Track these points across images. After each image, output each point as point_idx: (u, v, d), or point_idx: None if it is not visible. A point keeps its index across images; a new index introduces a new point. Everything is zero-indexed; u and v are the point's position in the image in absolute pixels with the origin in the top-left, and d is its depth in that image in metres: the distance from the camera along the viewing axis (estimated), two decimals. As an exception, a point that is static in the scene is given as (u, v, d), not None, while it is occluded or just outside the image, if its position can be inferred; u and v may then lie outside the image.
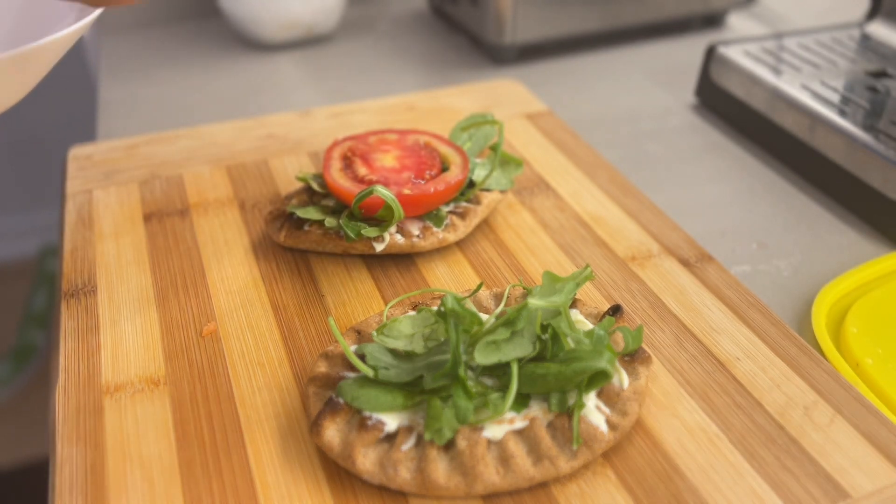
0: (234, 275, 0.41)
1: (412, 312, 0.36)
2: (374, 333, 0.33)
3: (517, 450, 0.30)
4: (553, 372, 0.31)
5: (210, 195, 0.48)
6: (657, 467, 0.31)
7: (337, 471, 0.31)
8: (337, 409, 0.31)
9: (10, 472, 1.23)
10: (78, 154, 0.52)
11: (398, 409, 0.31)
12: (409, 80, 0.69)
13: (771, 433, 0.32)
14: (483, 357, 0.31)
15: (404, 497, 0.30)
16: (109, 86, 0.68)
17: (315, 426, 0.31)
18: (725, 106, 0.60)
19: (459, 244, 0.43)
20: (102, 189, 0.48)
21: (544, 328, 0.32)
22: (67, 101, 1.48)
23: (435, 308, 0.35)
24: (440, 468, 0.29)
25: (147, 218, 0.46)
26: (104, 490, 0.30)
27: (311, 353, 0.36)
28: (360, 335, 0.35)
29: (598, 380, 0.31)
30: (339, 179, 0.42)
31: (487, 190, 0.45)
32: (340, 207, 0.42)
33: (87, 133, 0.79)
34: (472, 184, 0.45)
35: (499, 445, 0.30)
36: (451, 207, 0.43)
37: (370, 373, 0.32)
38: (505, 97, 0.59)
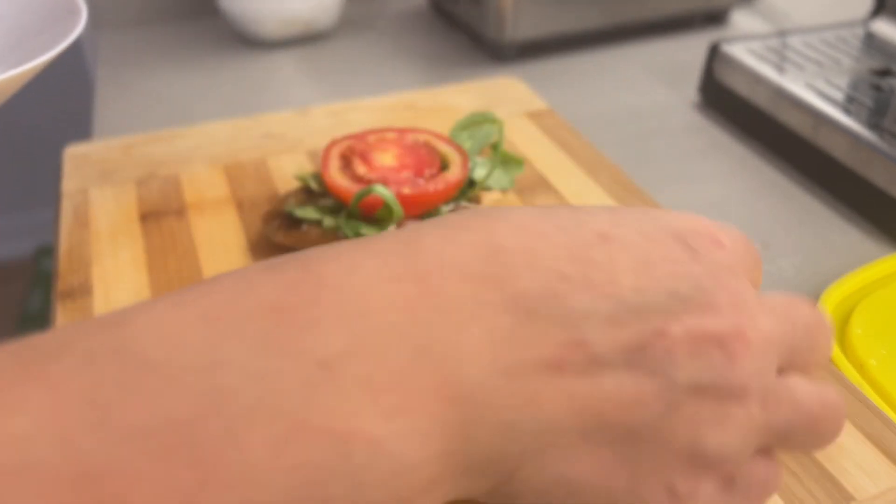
0: (231, 275, 0.41)
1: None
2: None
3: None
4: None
5: (207, 195, 0.47)
6: (659, 471, 0.30)
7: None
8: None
9: (10, 472, 1.22)
10: (74, 153, 0.52)
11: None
12: (409, 78, 0.68)
13: (775, 436, 0.32)
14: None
15: (403, 501, 0.29)
16: (106, 84, 0.68)
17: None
18: (729, 104, 0.60)
19: (459, 244, 0.43)
20: (99, 188, 0.48)
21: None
22: (64, 100, 1.48)
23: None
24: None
25: (144, 218, 0.45)
26: (99, 494, 0.30)
27: (309, 354, 0.36)
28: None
29: None
30: (338, 178, 0.41)
31: (488, 189, 0.44)
32: (339, 207, 0.42)
33: (84, 132, 0.79)
34: (472, 183, 0.44)
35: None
36: (451, 207, 0.43)
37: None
38: (506, 95, 0.59)
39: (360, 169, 0.42)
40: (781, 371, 0.23)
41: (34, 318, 1.45)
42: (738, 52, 0.59)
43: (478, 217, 0.22)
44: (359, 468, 0.17)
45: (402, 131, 0.46)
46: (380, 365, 0.18)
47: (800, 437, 0.23)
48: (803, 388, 0.23)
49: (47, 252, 1.56)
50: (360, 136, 0.45)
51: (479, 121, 0.47)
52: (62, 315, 0.38)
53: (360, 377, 0.18)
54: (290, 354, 0.18)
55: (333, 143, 0.44)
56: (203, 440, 0.16)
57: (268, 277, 0.20)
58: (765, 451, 0.23)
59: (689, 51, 0.72)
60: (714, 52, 0.61)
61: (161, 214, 0.45)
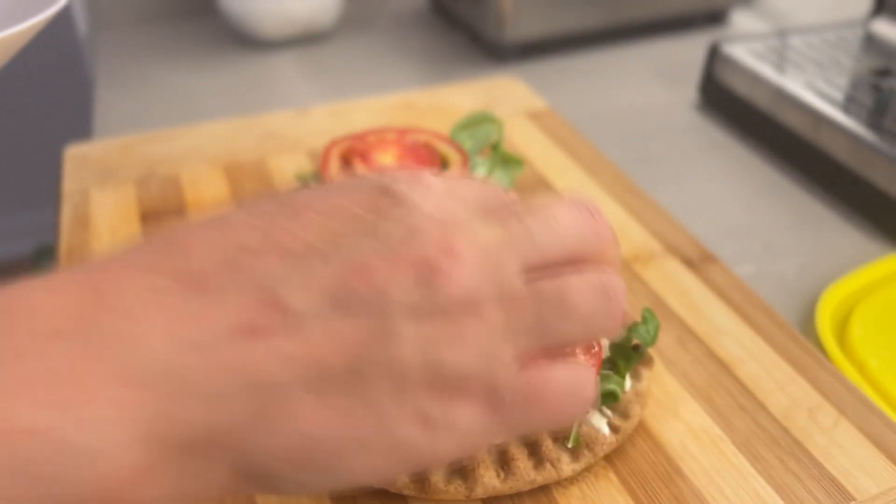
0: (231, 275, 0.41)
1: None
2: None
3: (518, 453, 0.29)
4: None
5: (207, 194, 0.47)
6: (660, 470, 0.30)
7: (335, 474, 0.30)
8: (335, 411, 0.31)
9: (10, 472, 1.22)
10: (74, 153, 0.52)
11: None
12: (409, 78, 0.68)
13: (775, 435, 0.32)
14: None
15: (404, 500, 0.29)
16: (106, 84, 0.68)
17: (313, 429, 0.30)
18: (729, 104, 0.60)
19: (459, 244, 0.43)
20: (99, 188, 0.48)
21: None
22: (63, 100, 1.48)
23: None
24: (440, 471, 0.29)
25: (144, 218, 0.45)
26: (99, 493, 0.30)
27: (309, 354, 0.36)
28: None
29: (604, 399, 0.31)
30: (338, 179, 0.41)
31: (488, 189, 0.44)
32: (339, 206, 0.42)
33: (84, 132, 0.79)
34: (472, 183, 0.44)
35: (499, 448, 0.30)
36: (450, 206, 0.43)
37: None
38: (506, 95, 0.59)
39: (360, 169, 0.42)
40: (546, 270, 0.22)
41: (34, 318, 1.44)
42: (738, 52, 0.59)
43: (169, 228, 0.22)
44: (30, 463, 0.17)
45: (401, 131, 0.46)
46: (40, 364, 0.18)
47: (567, 329, 0.22)
48: (573, 283, 0.22)
49: (47, 252, 1.56)
50: (360, 136, 0.45)
51: (479, 120, 0.47)
52: (62, 315, 0.38)
53: (19, 377, 0.18)
54: None
55: (333, 143, 0.44)
56: None
57: None
58: (547, 355, 0.22)
59: (689, 51, 0.72)
60: (714, 52, 0.61)
61: (161, 214, 0.45)
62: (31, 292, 0.19)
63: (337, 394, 0.20)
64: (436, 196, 0.22)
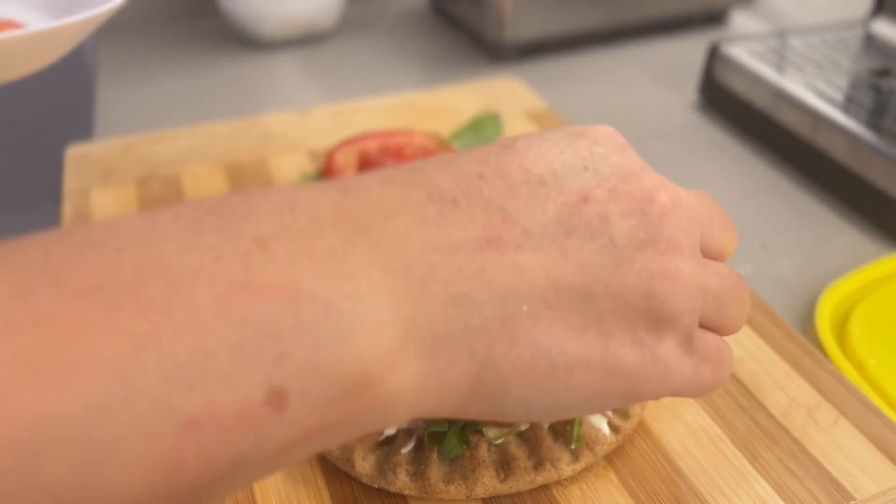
0: (232, 275, 0.41)
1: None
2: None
3: (518, 452, 0.30)
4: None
5: (208, 194, 0.47)
6: (659, 470, 0.30)
7: (336, 473, 0.30)
8: (336, 411, 0.31)
9: (10, 472, 1.22)
10: (75, 153, 0.52)
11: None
12: (410, 79, 0.68)
13: (774, 435, 0.32)
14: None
15: (404, 500, 0.30)
16: (107, 84, 0.68)
17: (314, 428, 0.30)
18: (728, 105, 0.60)
19: (460, 244, 0.43)
20: (100, 188, 0.48)
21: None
22: (65, 100, 1.48)
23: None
24: (440, 471, 0.29)
25: (145, 217, 0.45)
26: (101, 493, 0.30)
27: (310, 354, 0.36)
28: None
29: None
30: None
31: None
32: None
33: (85, 132, 0.79)
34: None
35: (499, 448, 0.30)
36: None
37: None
38: (506, 95, 0.59)
39: (360, 170, 0.43)
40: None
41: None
42: (738, 52, 0.59)
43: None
44: (311, 324, 0.18)
45: (400, 133, 0.46)
46: (315, 242, 0.19)
47: (728, 304, 0.25)
48: (717, 262, 0.26)
49: (47, 252, 1.56)
50: (360, 139, 0.46)
51: (480, 121, 0.47)
52: (64, 315, 0.38)
53: (297, 251, 0.19)
54: (226, 233, 0.19)
55: (336, 147, 0.45)
56: (149, 296, 0.17)
57: (208, 197, 0.21)
58: (708, 326, 0.25)
59: (688, 51, 0.72)
60: (713, 53, 0.61)
61: (162, 214, 0.46)
62: (294, 187, 0.21)
63: (571, 310, 0.22)
64: (626, 146, 0.26)
